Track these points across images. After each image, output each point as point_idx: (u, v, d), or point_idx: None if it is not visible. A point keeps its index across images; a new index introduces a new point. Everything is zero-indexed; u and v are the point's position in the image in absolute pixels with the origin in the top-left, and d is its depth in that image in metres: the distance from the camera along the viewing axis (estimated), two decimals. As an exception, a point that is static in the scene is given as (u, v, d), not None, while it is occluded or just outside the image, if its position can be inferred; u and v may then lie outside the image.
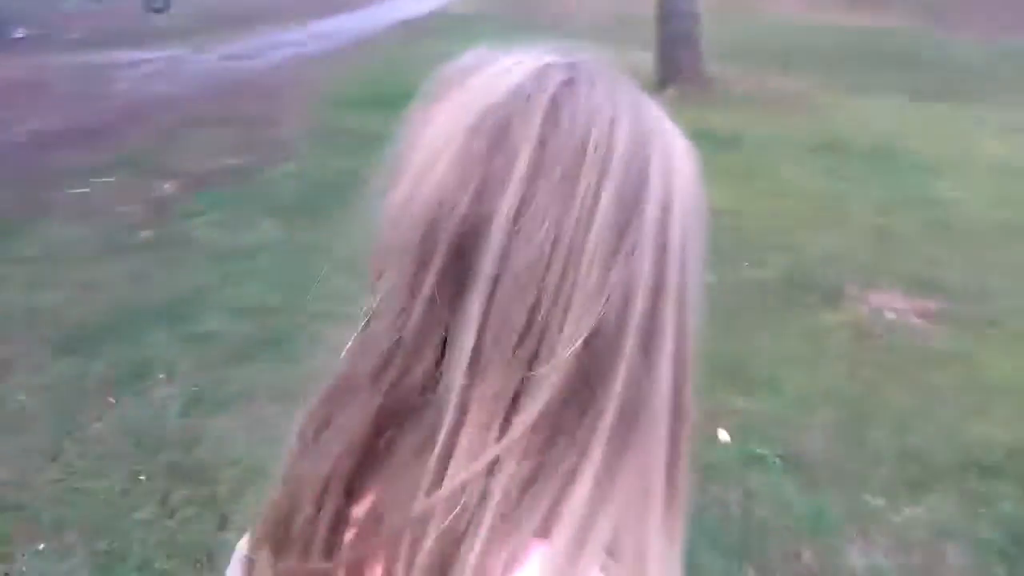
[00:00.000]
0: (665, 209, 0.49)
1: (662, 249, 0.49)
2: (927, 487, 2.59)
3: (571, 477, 0.47)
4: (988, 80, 10.10)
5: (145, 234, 4.99)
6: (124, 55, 12.22)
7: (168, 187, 5.95)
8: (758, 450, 2.75)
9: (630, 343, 0.47)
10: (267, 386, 3.23)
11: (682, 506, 0.54)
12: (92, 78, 10.46)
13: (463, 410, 0.47)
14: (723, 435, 2.87)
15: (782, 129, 7.46)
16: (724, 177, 6.06)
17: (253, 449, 2.84)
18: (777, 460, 2.72)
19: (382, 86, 9.73)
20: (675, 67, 8.91)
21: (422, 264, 0.49)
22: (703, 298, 0.52)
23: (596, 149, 0.48)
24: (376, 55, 12.32)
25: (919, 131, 7.41)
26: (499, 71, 0.52)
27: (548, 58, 0.52)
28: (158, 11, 14.05)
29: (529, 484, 0.46)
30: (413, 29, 15.73)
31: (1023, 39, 12.30)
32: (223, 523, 2.47)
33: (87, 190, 5.89)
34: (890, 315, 3.82)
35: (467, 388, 0.47)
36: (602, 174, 0.47)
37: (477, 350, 0.47)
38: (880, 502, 2.53)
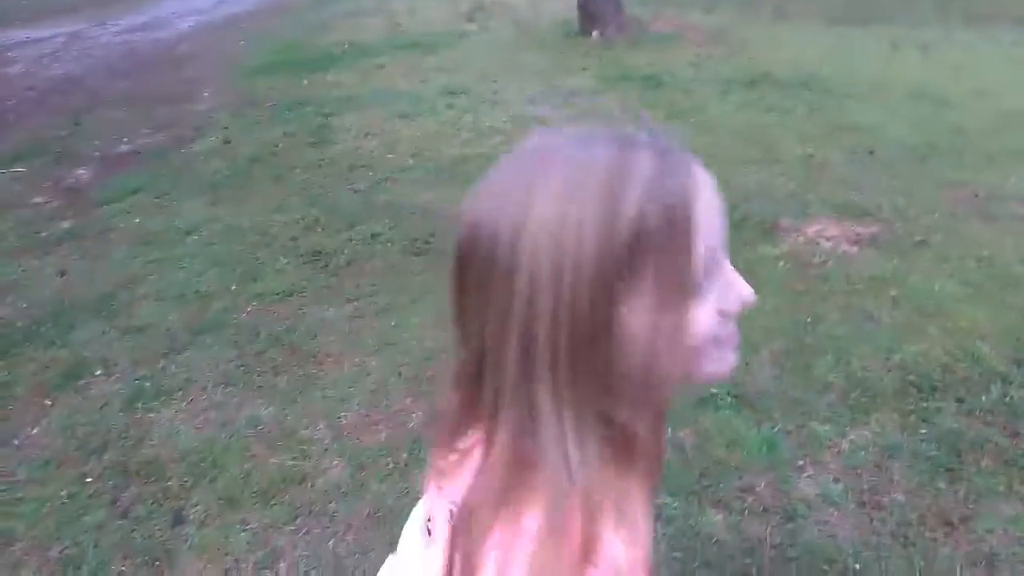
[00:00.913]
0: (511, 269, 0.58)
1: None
2: (870, 410, 2.69)
3: None
4: (899, 1, 10.30)
5: (64, 225, 4.76)
6: (17, 34, 11.53)
7: (83, 173, 5.67)
8: (711, 389, 2.80)
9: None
10: (210, 373, 3.15)
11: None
12: (-15, 61, 9.86)
13: None
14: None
15: (705, 65, 7.49)
16: (652, 117, 6.06)
17: (202, 439, 2.77)
18: (728, 397, 2.77)
19: (298, 50, 9.42)
20: (596, 11, 8.82)
21: None
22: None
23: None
24: (287, 18, 11.89)
25: (838, 58, 7.52)
26: None
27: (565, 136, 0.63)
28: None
29: None
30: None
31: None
32: (178, 518, 2.41)
33: (-6, 183, 5.58)
34: (825, 243, 3.90)
35: None
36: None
37: None
38: (827, 429, 2.62)
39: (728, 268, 0.65)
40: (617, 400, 0.61)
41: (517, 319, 0.58)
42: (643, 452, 0.64)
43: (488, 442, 0.62)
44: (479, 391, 0.62)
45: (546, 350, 0.57)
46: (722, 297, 0.64)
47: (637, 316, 0.58)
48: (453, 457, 0.66)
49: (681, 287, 0.59)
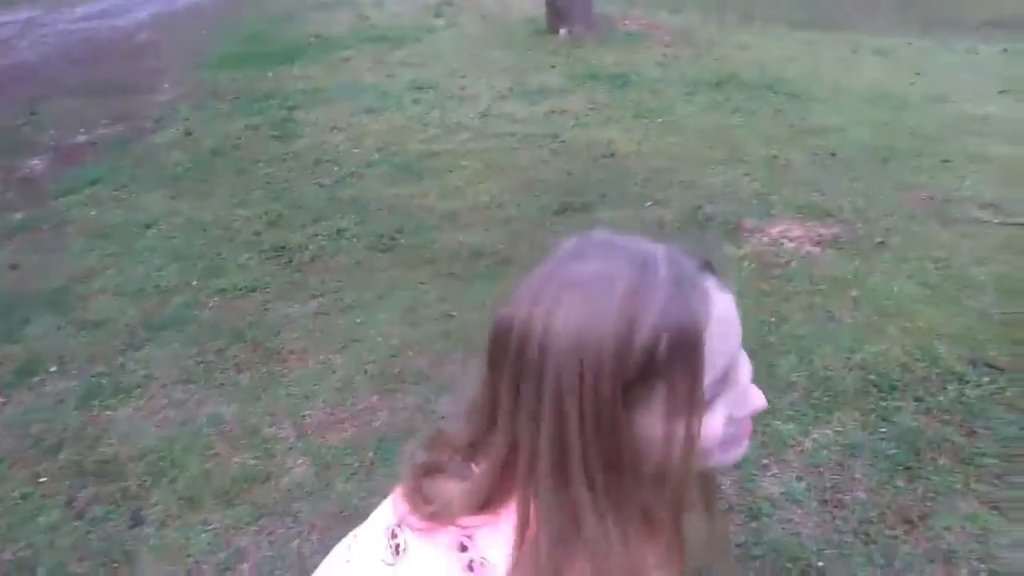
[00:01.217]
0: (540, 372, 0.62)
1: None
2: (832, 409, 2.73)
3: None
4: (859, 6, 10.48)
5: (17, 216, 4.64)
6: (-30, 20, 11.17)
7: (37, 164, 5.53)
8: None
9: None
10: (170, 370, 3.09)
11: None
12: (-65, 47, 9.54)
13: None
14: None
15: (672, 65, 7.53)
16: (619, 117, 6.11)
17: (161, 438, 2.72)
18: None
19: (262, 41, 9.27)
20: (564, 9, 8.82)
21: None
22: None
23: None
24: (252, 8, 11.69)
25: (803, 62, 7.63)
26: None
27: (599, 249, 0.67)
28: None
29: None
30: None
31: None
32: (136, 519, 2.36)
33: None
34: (788, 244, 3.95)
35: None
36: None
37: None
38: (791, 428, 2.65)
39: (743, 375, 0.68)
40: (646, 493, 0.66)
41: (548, 422, 0.62)
42: (668, 535, 0.69)
43: (521, 517, 0.64)
44: (510, 477, 0.66)
45: (578, 455, 0.62)
46: (733, 404, 0.67)
47: (652, 425, 0.63)
48: (472, 514, 0.67)
49: (689, 403, 0.63)
